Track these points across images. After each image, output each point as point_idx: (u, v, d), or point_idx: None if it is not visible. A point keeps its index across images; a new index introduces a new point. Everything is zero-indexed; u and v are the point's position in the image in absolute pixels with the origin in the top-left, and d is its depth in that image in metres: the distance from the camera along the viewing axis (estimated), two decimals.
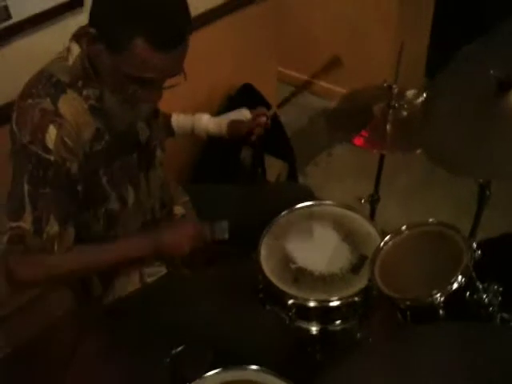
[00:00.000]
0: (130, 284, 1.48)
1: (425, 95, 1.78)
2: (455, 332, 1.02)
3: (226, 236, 1.47)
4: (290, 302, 1.37)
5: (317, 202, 1.65)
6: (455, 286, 1.22)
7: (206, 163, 2.30)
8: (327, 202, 1.66)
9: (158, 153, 1.49)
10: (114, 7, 1.12)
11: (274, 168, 2.55)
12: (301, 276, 1.44)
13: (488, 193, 1.61)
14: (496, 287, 1.26)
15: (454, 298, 1.22)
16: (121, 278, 1.48)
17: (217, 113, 2.37)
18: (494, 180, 1.65)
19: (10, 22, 1.59)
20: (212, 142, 2.34)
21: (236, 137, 1.69)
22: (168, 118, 1.69)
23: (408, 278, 1.33)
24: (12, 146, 1.23)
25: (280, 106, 1.83)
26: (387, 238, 1.39)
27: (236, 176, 2.36)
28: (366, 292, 1.39)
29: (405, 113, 1.77)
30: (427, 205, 2.61)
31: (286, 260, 1.48)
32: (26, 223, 1.22)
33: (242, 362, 1.26)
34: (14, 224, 1.22)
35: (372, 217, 2.06)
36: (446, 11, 3.23)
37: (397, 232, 1.40)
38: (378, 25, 3.00)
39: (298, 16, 3.23)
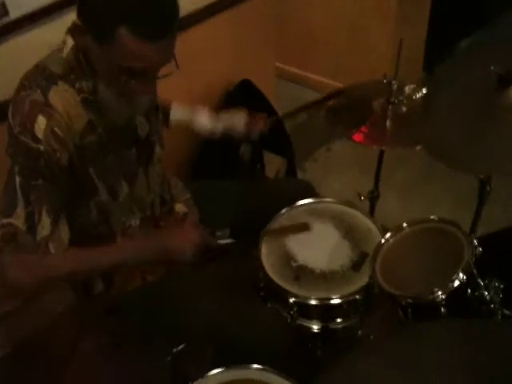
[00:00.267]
0: (130, 282, 1.48)
1: (424, 90, 1.78)
2: (456, 329, 1.01)
3: (229, 241, 1.48)
4: (292, 300, 1.37)
5: (317, 200, 1.65)
6: (456, 283, 1.22)
7: (204, 159, 2.30)
8: (327, 199, 1.66)
9: (157, 149, 1.49)
10: (101, 4, 1.11)
11: (273, 164, 2.55)
12: (302, 274, 1.44)
13: (488, 188, 1.61)
14: (497, 284, 1.26)
15: (455, 295, 1.22)
16: (121, 276, 1.47)
17: (216, 109, 2.36)
18: (494, 175, 1.65)
19: (8, 18, 1.59)
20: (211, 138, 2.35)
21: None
22: (167, 108, 1.67)
23: (409, 275, 1.33)
24: (8, 140, 1.23)
25: (282, 118, 1.87)
26: (388, 235, 1.39)
27: (235, 172, 2.36)
28: (367, 289, 1.38)
29: (404, 108, 1.77)
30: (427, 199, 2.61)
31: (287, 258, 1.48)
32: (19, 220, 1.20)
33: (243, 360, 1.25)
34: (5, 221, 1.20)
35: (372, 213, 2.05)
36: (443, 4, 3.22)
37: (397, 229, 1.40)
38: (376, 19, 2.99)
39: (297, 11, 3.22)
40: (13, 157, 1.21)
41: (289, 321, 1.39)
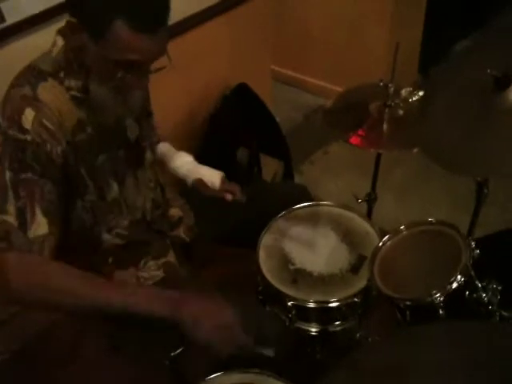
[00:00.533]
0: None
1: (421, 93, 1.78)
2: (455, 331, 1.01)
3: (271, 354, 1.24)
4: (290, 303, 1.37)
5: (315, 203, 1.65)
6: (454, 285, 1.21)
7: (201, 163, 2.30)
8: (325, 202, 1.66)
9: (148, 154, 1.50)
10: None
11: (270, 167, 2.55)
12: (300, 277, 1.44)
13: (486, 190, 1.61)
14: (495, 286, 1.26)
15: (453, 297, 1.22)
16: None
17: (213, 113, 2.37)
18: (491, 177, 1.65)
19: (4, 24, 1.59)
20: (208, 142, 2.35)
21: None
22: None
23: (407, 277, 1.33)
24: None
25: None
26: (386, 237, 1.39)
27: (232, 176, 2.36)
28: (365, 292, 1.38)
29: (401, 111, 1.77)
30: (424, 201, 2.62)
31: (285, 261, 1.48)
32: (10, 216, 1.17)
33: (242, 364, 1.25)
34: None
35: (369, 216, 2.06)
36: (439, 6, 3.24)
37: (395, 231, 1.40)
38: (372, 22, 3.00)
39: (294, 14, 3.23)
40: (2, 154, 1.21)
41: (287, 324, 1.39)
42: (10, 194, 1.18)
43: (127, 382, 1.89)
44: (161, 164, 1.66)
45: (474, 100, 1.45)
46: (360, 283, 1.40)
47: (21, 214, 1.17)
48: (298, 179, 2.70)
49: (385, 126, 1.74)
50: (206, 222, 1.70)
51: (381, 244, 1.38)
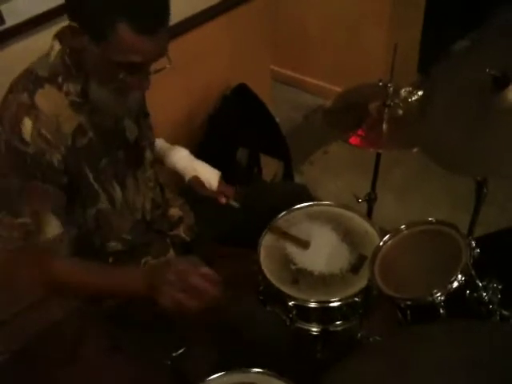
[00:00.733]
0: None
1: (420, 93, 1.79)
2: (455, 330, 1.02)
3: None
4: (291, 303, 1.37)
5: (315, 203, 1.65)
6: (455, 284, 1.22)
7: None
8: (325, 202, 1.66)
9: (148, 154, 1.49)
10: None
11: (270, 167, 2.55)
12: (301, 277, 1.44)
13: (485, 190, 1.61)
14: (495, 285, 1.26)
15: (453, 296, 1.22)
16: None
17: (212, 113, 2.37)
18: (490, 177, 1.65)
19: (4, 27, 1.59)
20: (208, 142, 2.35)
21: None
22: None
23: (408, 277, 1.33)
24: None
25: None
26: (386, 237, 1.39)
27: (232, 176, 2.36)
28: (366, 292, 1.39)
29: (400, 111, 1.78)
30: (424, 201, 2.62)
31: (286, 261, 1.48)
32: (27, 218, 1.23)
33: (243, 364, 1.25)
34: (16, 221, 1.23)
35: (369, 215, 2.06)
36: (437, 6, 3.24)
37: (396, 231, 1.40)
38: (371, 22, 3.00)
39: (293, 14, 3.23)
40: (9, 160, 1.22)
41: (288, 324, 1.39)
42: (23, 198, 1.23)
43: (128, 382, 1.89)
44: (158, 160, 1.64)
45: (473, 100, 1.45)
46: (360, 283, 1.40)
47: (35, 217, 1.23)
48: (297, 179, 2.70)
49: (384, 126, 1.74)
50: (206, 222, 1.70)
51: (381, 244, 1.39)
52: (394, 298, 1.27)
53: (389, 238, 1.39)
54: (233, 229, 1.67)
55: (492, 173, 1.51)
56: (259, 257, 1.49)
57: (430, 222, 1.38)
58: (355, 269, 1.45)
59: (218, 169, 1.67)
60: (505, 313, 1.25)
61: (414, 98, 1.81)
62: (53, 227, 1.25)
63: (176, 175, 1.67)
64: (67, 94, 1.25)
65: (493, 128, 1.40)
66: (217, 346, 1.47)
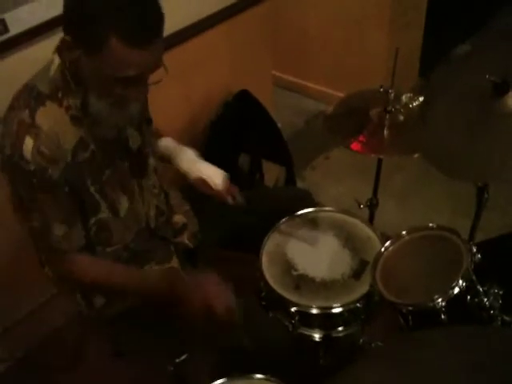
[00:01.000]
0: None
1: (421, 99, 1.79)
2: (457, 335, 1.02)
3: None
4: (293, 309, 1.37)
5: (317, 209, 1.66)
6: (456, 290, 1.22)
7: None
8: (327, 208, 1.67)
9: (151, 160, 1.50)
10: (84, 10, 1.13)
11: (272, 173, 2.56)
12: (302, 283, 1.44)
13: (486, 195, 1.62)
14: (496, 290, 1.27)
15: (455, 301, 1.23)
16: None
17: (214, 120, 2.38)
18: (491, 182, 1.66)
19: (8, 35, 1.60)
20: (210, 148, 2.36)
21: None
22: (157, 137, 1.67)
23: (409, 282, 1.34)
24: (1, 159, 1.27)
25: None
26: (388, 243, 1.40)
27: (234, 182, 2.37)
28: (367, 297, 1.39)
29: (401, 117, 1.78)
30: (426, 206, 2.62)
31: (288, 267, 1.49)
32: (36, 223, 1.29)
33: (246, 370, 1.26)
34: (29, 224, 1.31)
35: (371, 221, 2.06)
36: (439, 10, 3.25)
37: (397, 237, 1.41)
38: (372, 26, 3.01)
39: (293, 19, 3.24)
40: (12, 175, 1.26)
41: (290, 330, 1.39)
42: (29, 208, 1.29)
43: None
44: (164, 159, 1.64)
45: (474, 105, 1.46)
46: (362, 289, 1.41)
47: (43, 223, 1.30)
48: (299, 185, 2.71)
49: (385, 132, 1.74)
50: (209, 227, 1.70)
51: (383, 249, 1.39)
52: (396, 303, 1.28)
53: (390, 244, 1.40)
54: (236, 234, 1.67)
55: (493, 178, 1.52)
56: (261, 263, 1.49)
57: (431, 228, 1.39)
58: (357, 274, 1.45)
59: None
60: (506, 318, 1.26)
61: (415, 104, 1.81)
62: (59, 230, 1.30)
63: (180, 175, 1.68)
64: (67, 108, 1.25)
65: (493, 133, 1.41)
66: (219, 352, 1.48)
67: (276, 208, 1.67)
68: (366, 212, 2.06)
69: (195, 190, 1.62)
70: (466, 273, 1.24)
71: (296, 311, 1.38)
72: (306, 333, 1.41)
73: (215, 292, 1.35)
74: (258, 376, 1.22)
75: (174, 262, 1.58)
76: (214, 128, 2.36)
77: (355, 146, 1.74)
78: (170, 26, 2.09)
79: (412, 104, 1.81)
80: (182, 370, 1.56)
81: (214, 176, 1.60)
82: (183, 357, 1.52)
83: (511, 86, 1.41)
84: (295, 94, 3.41)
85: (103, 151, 1.33)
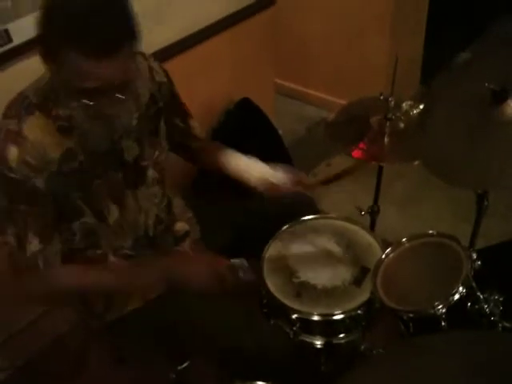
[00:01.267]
0: (130, 301, 1.49)
1: (421, 106, 1.80)
2: (457, 342, 1.03)
3: (251, 277, 1.43)
4: (294, 316, 1.38)
5: (319, 216, 1.66)
6: (456, 296, 1.23)
7: (205, 175, 2.32)
8: (328, 215, 1.68)
9: (151, 172, 1.48)
10: (45, 22, 1.13)
11: None
12: (304, 290, 1.45)
13: (486, 203, 1.63)
14: (496, 297, 1.27)
15: (455, 308, 1.23)
16: (121, 296, 1.49)
17: (216, 127, 2.39)
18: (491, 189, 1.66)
19: (11, 45, 1.62)
20: None
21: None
22: (214, 152, 1.65)
23: (410, 289, 1.34)
24: None
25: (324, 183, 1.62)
26: (388, 250, 1.40)
27: (236, 188, 2.38)
28: (368, 304, 1.40)
29: (402, 124, 1.79)
30: (426, 212, 2.63)
31: (289, 274, 1.49)
32: (11, 237, 1.27)
33: (247, 377, 1.26)
34: (2, 238, 1.28)
35: (372, 228, 2.07)
36: (440, 16, 3.26)
37: (397, 244, 1.41)
38: (373, 33, 3.02)
39: (294, 27, 3.25)
40: None
41: (292, 337, 1.40)
42: (8, 219, 1.27)
43: None
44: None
45: (473, 113, 1.47)
46: (363, 296, 1.41)
47: (19, 238, 1.28)
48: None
49: (386, 140, 1.75)
50: (210, 235, 1.71)
51: (383, 257, 1.40)
52: (396, 310, 1.28)
53: (390, 251, 1.40)
54: (238, 240, 1.67)
55: (492, 185, 1.53)
56: (262, 270, 1.50)
57: (431, 235, 1.40)
58: (358, 281, 1.46)
59: (222, 180, 1.66)
60: (506, 324, 1.26)
61: (415, 112, 1.82)
62: (31, 245, 1.28)
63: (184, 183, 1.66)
64: (56, 118, 1.26)
65: (493, 140, 1.42)
66: (220, 359, 1.48)
67: (278, 214, 1.67)
68: (368, 219, 2.07)
69: (198, 198, 1.63)
70: (466, 279, 1.25)
71: (297, 318, 1.38)
72: (307, 340, 1.41)
73: (207, 258, 1.43)
74: (260, 383, 1.23)
75: None
76: (216, 136, 2.37)
77: (356, 153, 1.75)
78: (172, 35, 2.14)
79: (412, 112, 1.82)
80: (184, 378, 1.56)
81: (276, 173, 1.57)
82: (185, 364, 1.53)
83: (510, 94, 1.42)
84: (296, 101, 3.42)
85: (93, 162, 1.33)
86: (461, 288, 1.23)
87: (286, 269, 1.51)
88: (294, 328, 1.39)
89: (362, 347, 1.47)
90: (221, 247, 1.70)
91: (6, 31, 1.60)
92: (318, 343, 1.41)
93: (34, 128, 1.24)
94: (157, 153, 1.49)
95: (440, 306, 1.22)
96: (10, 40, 1.61)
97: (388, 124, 1.78)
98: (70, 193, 1.31)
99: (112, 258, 1.46)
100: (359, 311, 1.39)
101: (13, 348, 2.09)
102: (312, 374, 1.57)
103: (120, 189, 1.41)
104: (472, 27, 3.63)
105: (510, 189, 2.17)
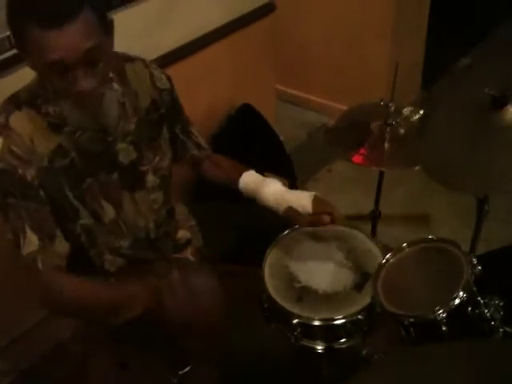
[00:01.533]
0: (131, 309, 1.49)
1: (422, 112, 1.81)
2: (458, 348, 1.03)
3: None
4: (295, 321, 1.38)
5: None
6: (457, 301, 1.23)
7: (205, 182, 2.33)
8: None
9: (150, 178, 1.48)
10: (7, 4, 1.15)
11: None
12: (305, 295, 1.45)
13: (487, 207, 1.63)
14: (497, 302, 1.28)
15: (456, 313, 1.23)
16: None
17: (217, 133, 2.40)
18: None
19: (14, 51, 1.62)
20: None
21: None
22: (233, 173, 1.63)
23: (410, 294, 1.35)
24: None
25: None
26: (389, 255, 1.41)
27: (237, 193, 2.39)
28: (369, 309, 1.40)
29: (402, 130, 1.80)
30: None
31: (290, 279, 1.50)
32: (8, 233, 1.27)
33: (248, 382, 1.27)
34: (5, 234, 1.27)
35: (373, 233, 2.07)
36: (440, 22, 3.27)
37: (398, 249, 1.42)
38: (373, 39, 3.03)
39: (295, 34, 3.27)
40: None
41: (293, 341, 1.40)
42: (5, 213, 1.27)
43: None
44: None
45: (473, 118, 1.48)
46: (364, 301, 1.41)
47: (15, 234, 1.27)
48: None
49: (386, 145, 1.77)
50: (212, 241, 1.71)
51: (384, 261, 1.40)
52: (397, 315, 1.28)
53: (391, 256, 1.41)
54: (238, 247, 1.68)
55: (492, 190, 1.53)
56: (264, 275, 1.50)
57: (432, 240, 1.40)
58: (359, 286, 1.46)
59: (223, 188, 1.66)
60: (507, 329, 1.26)
61: (416, 117, 1.83)
62: (30, 244, 1.27)
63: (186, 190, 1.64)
64: (46, 115, 1.28)
65: (492, 145, 1.42)
66: (221, 364, 1.48)
67: (279, 220, 1.67)
68: (369, 224, 2.08)
69: (199, 201, 1.63)
70: (467, 284, 1.25)
71: (298, 323, 1.38)
72: (308, 344, 1.41)
73: (199, 284, 1.28)
74: None
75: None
76: (217, 141, 2.37)
77: (357, 158, 1.76)
78: (174, 41, 2.15)
79: (413, 117, 1.83)
80: (185, 382, 1.56)
81: (301, 200, 1.49)
82: (187, 369, 1.53)
83: (510, 100, 1.43)
84: (297, 107, 3.44)
85: (85, 161, 1.34)
86: (461, 293, 1.24)
87: (287, 273, 1.52)
88: (295, 333, 1.39)
89: (363, 352, 1.47)
90: (222, 252, 1.71)
91: (9, 37, 1.61)
92: (319, 348, 1.42)
93: (21, 121, 1.26)
94: (157, 158, 1.49)
95: (441, 311, 1.22)
96: (13, 46, 1.61)
97: (388, 129, 1.79)
98: (63, 190, 1.32)
99: (108, 256, 1.47)
100: (360, 316, 1.39)
101: (15, 352, 2.10)
102: (313, 378, 1.57)
103: (115, 189, 1.42)
104: (473, 32, 3.65)
105: (510, 193, 2.17)
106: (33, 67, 1.22)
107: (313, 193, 1.52)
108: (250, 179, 1.59)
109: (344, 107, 2.01)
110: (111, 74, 1.33)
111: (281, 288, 1.47)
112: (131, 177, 1.44)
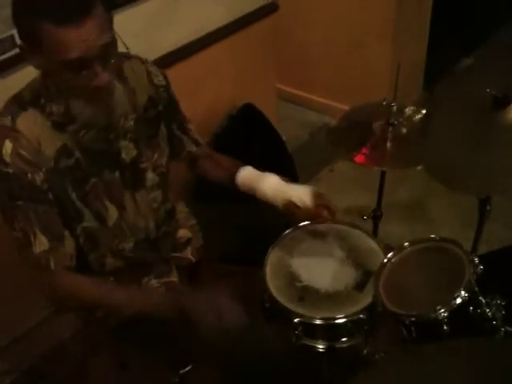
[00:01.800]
0: None
1: (424, 112, 1.81)
2: (460, 347, 1.03)
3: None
4: (296, 320, 1.38)
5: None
6: (459, 301, 1.23)
7: (205, 182, 2.33)
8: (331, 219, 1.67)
9: (150, 175, 1.49)
10: (15, 3, 1.15)
11: None
12: (306, 294, 1.45)
13: (489, 208, 1.63)
14: (499, 301, 1.27)
15: (457, 312, 1.23)
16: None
17: (218, 133, 2.40)
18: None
19: (16, 50, 1.62)
20: None
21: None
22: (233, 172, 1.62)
23: (412, 294, 1.34)
24: None
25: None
26: (390, 254, 1.41)
27: (237, 193, 2.39)
28: (371, 309, 1.40)
29: (404, 130, 1.80)
30: (429, 216, 2.63)
31: (292, 278, 1.49)
32: (18, 233, 1.27)
33: (249, 381, 1.27)
34: (12, 234, 1.28)
35: (375, 232, 2.07)
36: (443, 22, 3.27)
37: (400, 248, 1.41)
38: (375, 39, 3.03)
39: (297, 34, 3.27)
40: None
41: (294, 341, 1.40)
42: (11, 216, 1.27)
43: None
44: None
45: (475, 118, 1.48)
46: (365, 300, 1.41)
47: (25, 234, 1.27)
48: None
49: (388, 145, 1.77)
50: (213, 241, 1.71)
51: (385, 261, 1.40)
52: (399, 314, 1.28)
53: (393, 256, 1.40)
54: (239, 247, 1.68)
55: (494, 190, 1.53)
56: (265, 274, 1.50)
57: (433, 239, 1.40)
58: (360, 286, 1.46)
59: (223, 188, 1.65)
60: (509, 329, 1.26)
61: (417, 117, 1.83)
62: (41, 244, 1.28)
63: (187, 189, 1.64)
64: (50, 114, 1.27)
65: (494, 145, 1.42)
66: (222, 364, 1.48)
67: (280, 220, 1.67)
68: (370, 223, 2.08)
69: (199, 201, 1.63)
70: (469, 284, 1.25)
71: (299, 322, 1.38)
72: (309, 344, 1.41)
73: (228, 305, 1.32)
74: None
75: (174, 276, 1.59)
76: (219, 141, 2.37)
77: (359, 158, 1.76)
78: (175, 41, 2.15)
79: (415, 117, 1.83)
80: (186, 382, 1.56)
81: (301, 194, 1.51)
82: (187, 368, 1.53)
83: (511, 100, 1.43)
84: (299, 106, 3.44)
85: (89, 160, 1.34)
86: (463, 292, 1.23)
87: (288, 273, 1.51)
88: (297, 332, 1.38)
89: (365, 351, 1.47)
90: (222, 252, 1.71)
91: (12, 37, 1.61)
92: (320, 347, 1.41)
93: (28, 123, 1.25)
94: (156, 155, 1.49)
95: (442, 311, 1.22)
96: (15, 45, 1.62)
97: (390, 129, 1.79)
98: (67, 191, 1.32)
99: (109, 260, 1.47)
100: (361, 315, 1.39)
101: (16, 352, 2.10)
102: (314, 378, 1.57)
103: (118, 189, 1.42)
104: (475, 33, 3.64)
105: None
106: (40, 66, 1.22)
107: (312, 186, 1.53)
108: (247, 173, 1.60)
109: (346, 107, 2.01)
110: None
111: (282, 287, 1.47)
112: (132, 175, 1.45)
